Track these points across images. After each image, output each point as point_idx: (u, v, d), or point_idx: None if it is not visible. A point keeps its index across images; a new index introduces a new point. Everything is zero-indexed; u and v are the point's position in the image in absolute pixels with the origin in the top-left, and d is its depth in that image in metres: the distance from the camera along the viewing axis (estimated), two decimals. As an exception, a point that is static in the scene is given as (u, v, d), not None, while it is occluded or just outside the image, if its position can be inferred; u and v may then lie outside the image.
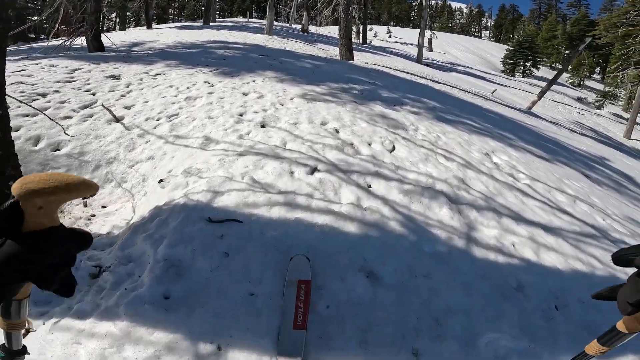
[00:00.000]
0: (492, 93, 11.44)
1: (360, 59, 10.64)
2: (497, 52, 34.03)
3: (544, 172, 3.83)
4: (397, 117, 3.74)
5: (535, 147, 5.01)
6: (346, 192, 2.16)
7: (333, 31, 20.20)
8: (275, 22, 15.25)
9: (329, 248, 1.84)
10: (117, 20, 25.52)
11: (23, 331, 0.56)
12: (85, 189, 0.40)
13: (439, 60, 20.19)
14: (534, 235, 2.42)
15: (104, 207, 2.58)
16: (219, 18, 26.97)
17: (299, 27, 19.34)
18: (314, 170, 2.33)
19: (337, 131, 3.00)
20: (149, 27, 16.29)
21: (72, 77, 4.43)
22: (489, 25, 74.44)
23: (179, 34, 11.66)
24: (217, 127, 3.01)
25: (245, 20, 25.38)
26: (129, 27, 24.42)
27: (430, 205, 2.36)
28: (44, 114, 2.73)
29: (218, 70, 5.30)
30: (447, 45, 30.40)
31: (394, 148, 2.89)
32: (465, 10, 76.58)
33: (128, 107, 3.62)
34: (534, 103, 11.22)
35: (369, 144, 2.85)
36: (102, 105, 3.42)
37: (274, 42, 10.77)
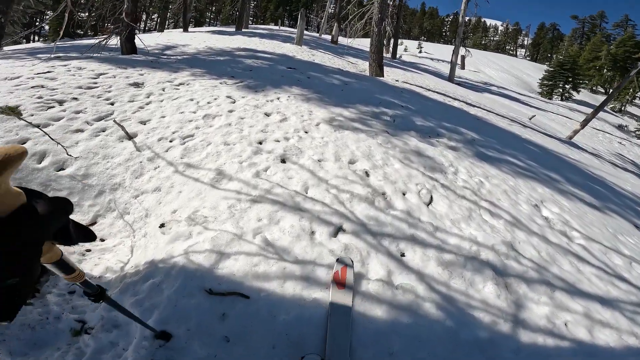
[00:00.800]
0: (530, 119, 10.73)
1: (390, 75, 10.26)
2: (533, 72, 32.66)
3: (598, 226, 3.37)
4: (434, 155, 3.33)
5: (584, 190, 4.50)
6: (375, 264, 1.78)
7: (362, 43, 19.93)
8: (305, 32, 15.15)
9: (350, 339, 1.48)
10: (158, 20, 26.39)
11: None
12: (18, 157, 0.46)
13: (472, 79, 19.49)
14: (590, 310, 2.04)
15: (102, 240, 2.33)
16: (251, 24, 27.41)
17: (329, 37, 19.20)
18: (338, 230, 1.96)
19: (367, 174, 2.62)
20: (185, 29, 16.62)
21: (95, 83, 4.31)
22: (526, 43, 71.96)
23: (211, 39, 11.74)
24: (232, 157, 2.71)
25: (277, 28, 25.63)
26: (167, 28, 25.22)
27: (473, 281, 1.95)
28: (46, 133, 2.53)
29: (242, 84, 5.08)
30: (481, 64, 29.45)
31: (431, 199, 2.48)
32: (500, 28, 74.41)
33: (143, 122, 3.41)
34: (575, 132, 10.41)
35: (404, 194, 2.46)
36: (114, 121, 3.22)
37: (302, 53, 10.58)
